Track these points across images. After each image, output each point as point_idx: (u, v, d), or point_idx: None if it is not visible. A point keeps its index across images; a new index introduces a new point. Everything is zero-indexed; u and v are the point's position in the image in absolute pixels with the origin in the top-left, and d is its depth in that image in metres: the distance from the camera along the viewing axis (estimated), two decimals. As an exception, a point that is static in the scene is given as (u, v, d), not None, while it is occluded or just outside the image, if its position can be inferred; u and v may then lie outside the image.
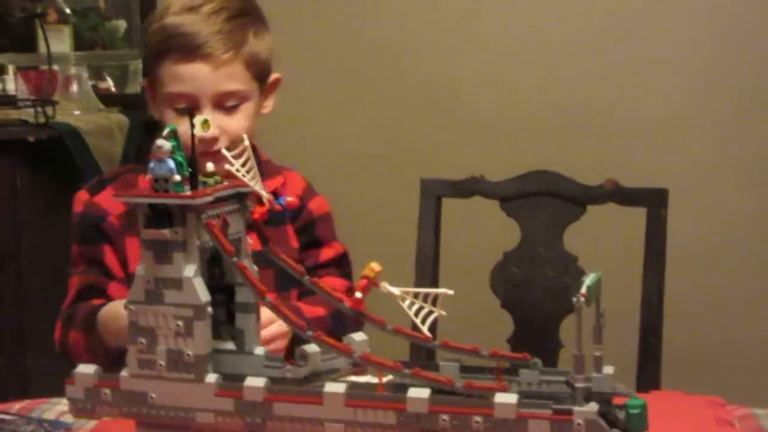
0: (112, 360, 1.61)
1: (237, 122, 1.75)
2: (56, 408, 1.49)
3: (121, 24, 3.35)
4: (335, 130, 3.01)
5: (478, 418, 1.02)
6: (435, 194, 2.13)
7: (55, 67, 2.68)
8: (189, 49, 1.71)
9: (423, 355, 1.78)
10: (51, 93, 2.64)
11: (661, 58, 2.87)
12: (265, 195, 1.15)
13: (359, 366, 1.15)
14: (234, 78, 1.74)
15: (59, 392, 1.52)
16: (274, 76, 1.83)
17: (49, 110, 2.39)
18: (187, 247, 1.09)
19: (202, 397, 1.09)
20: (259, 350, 1.17)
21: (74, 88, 2.68)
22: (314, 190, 1.91)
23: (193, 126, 1.15)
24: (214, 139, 1.72)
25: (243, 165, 1.13)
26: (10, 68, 2.87)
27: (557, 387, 1.09)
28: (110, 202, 1.78)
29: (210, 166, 1.18)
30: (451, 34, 2.98)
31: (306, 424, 1.06)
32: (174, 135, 1.12)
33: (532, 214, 2.08)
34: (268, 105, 1.85)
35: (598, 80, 2.90)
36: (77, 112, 2.57)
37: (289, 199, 1.17)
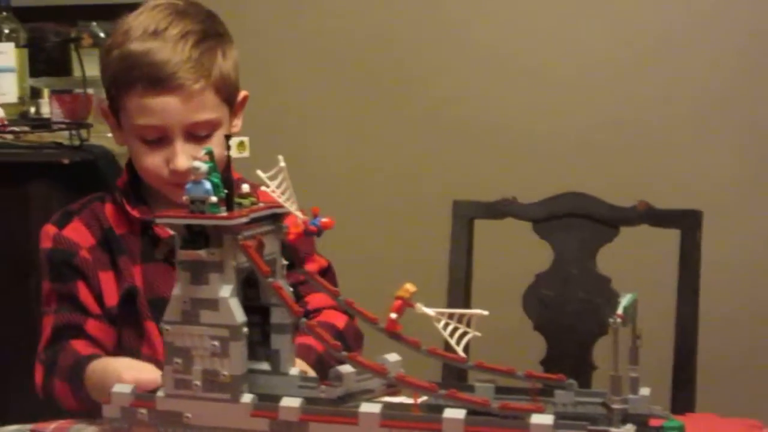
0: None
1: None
2: (92, 428, 1.50)
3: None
4: (367, 152, 3.01)
5: (513, 439, 1.02)
6: (467, 216, 2.13)
7: (90, 91, 2.70)
8: (157, 80, 1.61)
9: (455, 377, 1.78)
10: (85, 116, 2.66)
11: (693, 78, 2.86)
12: (300, 216, 1.16)
13: (394, 387, 1.15)
14: (205, 107, 1.65)
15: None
16: (242, 94, 1.74)
17: (83, 133, 2.41)
18: (223, 268, 1.10)
19: (237, 417, 1.09)
20: (294, 371, 1.18)
21: (108, 111, 2.70)
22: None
23: (228, 148, 1.16)
24: (187, 172, 1.58)
25: (278, 186, 1.14)
26: (45, 92, 2.90)
27: (593, 408, 1.09)
28: (80, 235, 1.69)
29: (246, 188, 1.19)
30: (483, 56, 2.98)
31: (342, 444, 1.07)
32: (210, 157, 1.13)
33: (564, 236, 2.07)
34: (237, 123, 1.75)
35: (629, 101, 2.90)
36: (110, 135, 2.58)
37: (325, 219, 1.16)
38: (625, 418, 1.02)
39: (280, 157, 1.14)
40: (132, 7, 1.66)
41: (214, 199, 1.09)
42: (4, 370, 2.02)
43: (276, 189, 1.13)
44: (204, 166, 1.10)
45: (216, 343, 1.09)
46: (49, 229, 1.72)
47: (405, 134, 3.01)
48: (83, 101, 2.70)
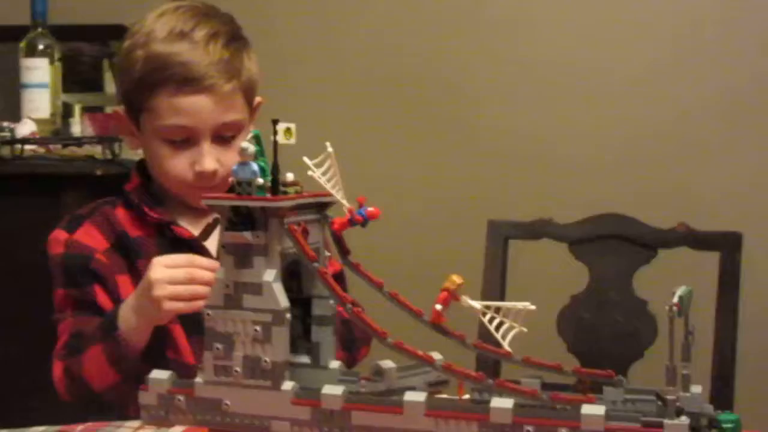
0: (133, 370, 1.52)
1: (233, 155, 1.58)
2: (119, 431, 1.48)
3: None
4: (402, 170, 2.99)
5: (564, 430, 0.99)
6: (502, 236, 2.12)
7: (121, 109, 2.71)
8: (190, 80, 1.61)
9: (490, 373, 1.75)
10: (117, 134, 2.67)
11: (733, 98, 2.85)
12: (346, 204, 1.15)
13: (435, 385, 1.13)
14: (234, 108, 1.65)
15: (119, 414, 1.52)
16: (257, 100, 1.74)
17: (115, 148, 2.42)
18: (268, 252, 1.08)
19: (278, 405, 1.07)
20: (335, 364, 1.16)
21: (140, 128, 2.71)
22: None
23: (275, 133, 1.14)
24: (215, 173, 1.65)
25: (324, 173, 1.13)
26: (77, 110, 2.91)
27: (642, 406, 1.06)
28: (93, 239, 1.68)
29: (290, 176, 1.17)
30: (521, 76, 2.98)
31: (385, 434, 1.04)
32: (258, 140, 1.12)
33: (601, 258, 2.06)
34: (249, 129, 1.68)
35: (668, 122, 2.89)
36: (142, 151, 2.59)
37: (371, 209, 1.15)
38: (680, 411, 0.99)
39: (328, 144, 1.13)
40: None
41: (260, 180, 1.08)
42: (33, 383, 2.00)
43: (321, 176, 1.12)
44: (251, 147, 1.09)
45: (258, 328, 1.07)
46: (59, 235, 1.70)
47: (441, 152, 3.00)
48: (115, 120, 2.71)
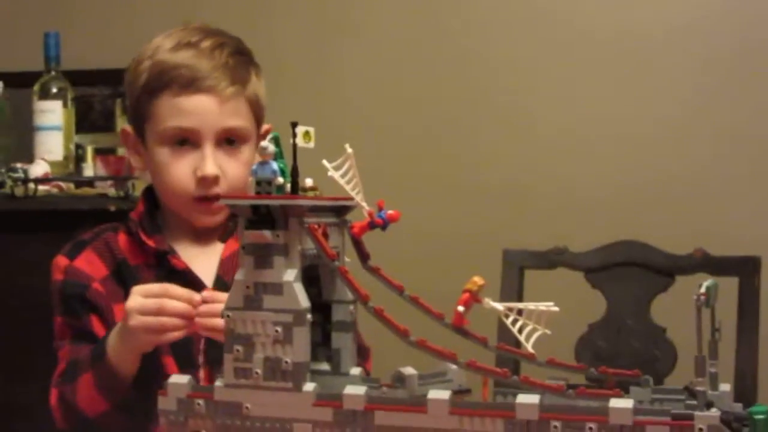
0: (123, 399, 1.54)
1: (237, 166, 1.65)
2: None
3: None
4: (415, 198, 2.98)
5: (591, 425, 0.97)
6: (518, 265, 2.11)
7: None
8: (192, 80, 1.62)
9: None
10: (131, 175, 2.67)
11: (745, 121, 2.84)
12: (366, 207, 1.13)
13: (458, 394, 1.11)
14: (238, 114, 1.65)
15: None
16: (265, 127, 1.73)
17: (128, 187, 2.42)
18: (288, 252, 1.07)
19: (299, 406, 1.05)
20: (355, 371, 1.13)
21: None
22: None
23: (294, 135, 1.14)
24: (216, 179, 1.64)
25: (344, 175, 1.12)
26: (89, 154, 2.91)
27: (671, 405, 1.04)
28: (92, 266, 1.67)
29: (309, 181, 1.17)
30: (535, 106, 2.98)
31: (408, 433, 1.02)
32: (277, 142, 1.12)
33: (617, 285, 2.04)
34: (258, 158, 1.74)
35: (681, 148, 2.88)
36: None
37: (391, 212, 1.14)
38: (710, 404, 0.97)
39: (347, 145, 1.12)
40: None
41: (280, 180, 1.08)
42: (48, 424, 1.98)
43: (340, 178, 1.11)
44: (271, 146, 1.08)
45: (279, 329, 1.05)
46: (60, 261, 1.70)
47: (454, 182, 3.00)
48: (127, 162, 2.72)
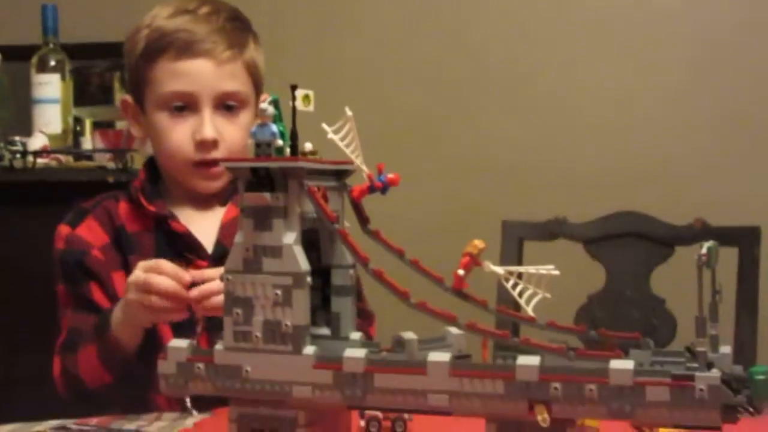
0: (125, 371, 1.55)
1: (235, 131, 1.66)
2: (135, 422, 1.45)
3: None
4: (415, 170, 2.98)
5: (591, 386, 0.97)
6: (517, 236, 2.11)
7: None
8: (190, 44, 1.63)
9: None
10: (129, 147, 2.67)
11: (744, 92, 2.85)
12: (366, 170, 1.13)
13: (459, 359, 1.11)
14: (236, 78, 1.66)
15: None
16: (264, 96, 1.73)
17: (126, 159, 2.42)
18: (288, 214, 1.06)
19: (299, 369, 1.05)
20: (355, 335, 1.13)
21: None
22: None
23: (294, 98, 1.13)
24: (215, 143, 1.64)
25: (343, 138, 1.11)
26: (87, 128, 2.91)
27: (671, 366, 1.04)
28: (93, 234, 1.68)
29: (309, 146, 1.16)
30: (534, 79, 2.98)
31: (408, 396, 1.02)
32: (276, 105, 1.11)
33: (617, 256, 2.04)
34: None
35: (681, 120, 2.89)
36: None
37: (391, 175, 1.13)
38: (711, 364, 0.97)
39: (347, 108, 1.12)
40: None
41: (280, 142, 1.07)
42: (45, 396, 1.98)
43: (339, 141, 1.10)
44: (270, 108, 1.08)
45: (278, 291, 1.05)
46: (62, 229, 1.71)
47: (452, 153, 2.99)
48: (126, 135, 2.71)
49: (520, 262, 2.10)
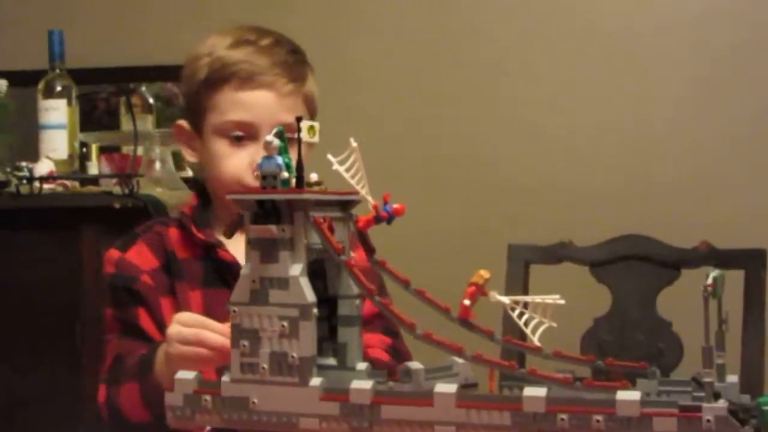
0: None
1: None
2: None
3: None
4: (421, 194, 2.98)
5: (599, 417, 0.97)
6: (523, 260, 2.11)
7: (139, 152, 2.72)
8: (252, 75, 1.66)
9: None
10: (135, 172, 2.67)
11: (749, 114, 2.86)
12: (371, 200, 1.13)
13: (465, 388, 1.11)
14: (295, 111, 1.65)
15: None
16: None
17: (132, 184, 2.42)
18: (294, 246, 1.07)
19: (306, 401, 1.05)
20: (362, 365, 1.13)
21: (157, 166, 2.71)
22: (356, 241, 1.83)
23: (300, 130, 1.14)
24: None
25: (348, 169, 1.12)
26: (94, 152, 2.92)
27: (678, 396, 1.04)
28: (142, 258, 1.69)
29: (314, 176, 1.16)
30: (540, 98, 2.99)
31: (415, 427, 1.02)
32: (281, 136, 1.12)
33: (623, 279, 2.04)
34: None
35: (686, 142, 2.89)
36: (160, 190, 2.60)
37: (396, 205, 1.14)
38: (717, 395, 0.97)
39: (352, 139, 1.12)
40: (180, 68, 1.68)
41: (285, 174, 1.08)
42: (52, 417, 1.99)
43: (344, 172, 1.11)
44: (276, 141, 1.08)
45: (285, 323, 1.05)
46: (112, 254, 1.72)
47: (459, 177, 3.01)
48: (132, 160, 2.72)
49: (526, 286, 2.10)
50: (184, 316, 1.51)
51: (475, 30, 3.03)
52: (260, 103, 1.67)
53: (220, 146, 1.68)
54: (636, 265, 2.03)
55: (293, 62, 1.71)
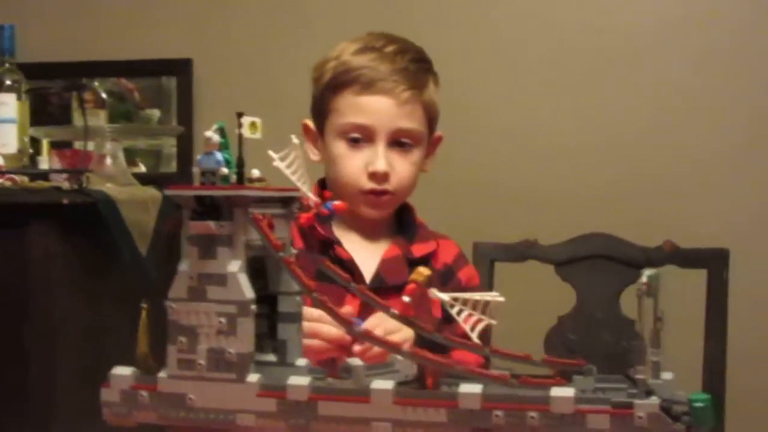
0: None
1: (406, 166, 1.84)
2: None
3: (155, 113, 3.47)
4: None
5: (533, 414, 1.03)
6: (488, 258, 2.17)
7: (90, 147, 2.76)
8: (372, 81, 1.81)
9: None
10: (86, 168, 2.71)
11: (716, 116, 2.95)
12: (312, 197, 1.19)
13: (407, 383, 1.16)
14: (412, 117, 1.83)
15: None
16: (437, 134, 1.92)
17: (82, 179, 2.46)
18: (232, 242, 1.11)
19: (243, 397, 1.10)
20: (301, 362, 1.18)
21: (108, 162, 2.76)
22: (466, 259, 1.97)
23: (240, 126, 1.19)
24: (385, 176, 1.83)
25: (289, 166, 1.17)
26: (45, 147, 2.95)
27: (613, 394, 1.09)
28: None
29: (256, 172, 1.21)
30: (506, 92, 3.05)
31: (353, 424, 1.07)
32: (222, 132, 1.17)
33: (587, 278, 2.11)
34: (428, 163, 1.93)
35: (650, 142, 2.97)
36: (111, 186, 2.64)
37: (337, 202, 1.19)
38: (650, 392, 1.03)
39: (293, 136, 1.18)
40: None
41: (225, 170, 1.12)
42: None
43: (285, 168, 1.16)
44: (216, 137, 1.13)
45: (223, 320, 1.10)
46: None
47: (424, 176, 3.05)
48: (83, 156, 2.76)
49: (491, 284, 2.17)
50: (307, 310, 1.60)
51: (442, 29, 3.09)
52: (378, 108, 1.81)
53: (339, 148, 1.84)
54: (600, 264, 2.10)
55: (414, 70, 1.84)
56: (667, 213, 2.88)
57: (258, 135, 1.21)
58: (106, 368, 1.58)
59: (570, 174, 3.00)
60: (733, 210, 2.91)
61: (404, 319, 1.14)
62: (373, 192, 1.84)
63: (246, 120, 1.19)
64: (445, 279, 1.87)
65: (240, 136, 1.19)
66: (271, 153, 1.17)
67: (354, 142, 1.84)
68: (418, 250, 1.90)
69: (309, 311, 1.57)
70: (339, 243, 1.85)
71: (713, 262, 2.03)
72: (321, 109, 1.88)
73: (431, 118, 1.88)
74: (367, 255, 1.88)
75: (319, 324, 1.62)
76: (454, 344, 1.15)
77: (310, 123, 1.92)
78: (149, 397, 1.13)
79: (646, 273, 1.07)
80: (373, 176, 1.83)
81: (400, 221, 1.95)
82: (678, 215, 2.87)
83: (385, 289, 1.76)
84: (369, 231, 1.91)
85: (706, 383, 1.99)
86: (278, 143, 1.16)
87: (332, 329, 1.62)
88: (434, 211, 3.08)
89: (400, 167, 1.84)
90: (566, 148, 3.01)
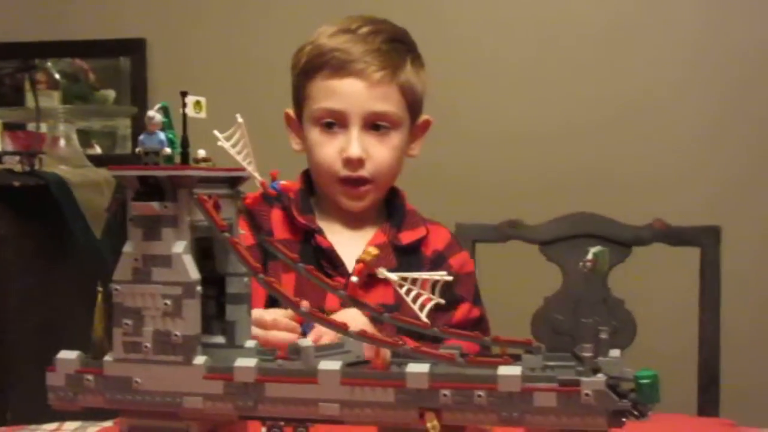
0: None
1: (383, 151, 1.93)
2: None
3: (110, 93, 3.59)
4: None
5: (480, 393, 1.13)
6: (470, 239, 2.28)
7: (44, 129, 2.87)
8: (343, 63, 1.90)
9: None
10: (39, 150, 2.83)
11: (706, 92, 3.09)
12: (258, 177, 1.29)
13: (357, 364, 1.26)
14: (387, 100, 1.92)
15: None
16: (424, 117, 2.02)
17: (34, 161, 2.57)
18: (177, 223, 1.21)
19: (190, 380, 1.20)
20: (250, 343, 1.28)
21: (62, 143, 2.88)
22: (459, 246, 2.06)
23: (184, 106, 1.29)
24: (360, 161, 1.92)
25: (235, 145, 1.27)
26: (-2, 126, 3.07)
27: (562, 372, 1.18)
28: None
29: (202, 152, 1.32)
30: (488, 77, 3.20)
31: (300, 405, 1.17)
32: (166, 112, 1.27)
33: (573, 258, 2.21)
34: (416, 148, 2.02)
35: (638, 123, 3.11)
36: (64, 168, 2.75)
37: (284, 182, 1.30)
38: (597, 369, 1.14)
39: (238, 115, 1.28)
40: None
41: (168, 150, 1.22)
42: None
43: (230, 148, 1.26)
44: (158, 116, 1.23)
45: (168, 302, 1.20)
46: None
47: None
48: (36, 137, 2.88)
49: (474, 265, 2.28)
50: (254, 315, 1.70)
51: (421, 16, 3.21)
52: (350, 91, 1.91)
53: (314, 134, 1.95)
54: (586, 243, 2.20)
55: (387, 50, 1.93)
56: (658, 192, 3.02)
57: (203, 114, 1.31)
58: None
59: (557, 156, 3.14)
60: (725, 188, 3.05)
61: (352, 299, 1.24)
62: (348, 179, 1.94)
63: (190, 99, 1.29)
64: (435, 265, 1.94)
65: (184, 115, 1.29)
66: (216, 132, 1.27)
67: (328, 128, 1.94)
68: (407, 237, 1.99)
69: (261, 317, 1.72)
70: (320, 231, 1.95)
71: (705, 240, 2.14)
72: (298, 97, 1.98)
73: (411, 100, 1.97)
74: (351, 243, 1.97)
75: (273, 332, 1.71)
76: (403, 324, 1.26)
77: (291, 112, 2.02)
78: (95, 381, 1.23)
79: (593, 250, 1.18)
80: (347, 162, 1.93)
81: (389, 208, 2.04)
82: (669, 194, 3.01)
83: (371, 277, 1.86)
84: (354, 219, 2.01)
85: (701, 361, 2.11)
86: (233, 124, 1.27)
87: (284, 334, 1.70)
88: (416, 192, 3.21)
89: (376, 152, 1.93)
90: (554, 128, 3.16)
